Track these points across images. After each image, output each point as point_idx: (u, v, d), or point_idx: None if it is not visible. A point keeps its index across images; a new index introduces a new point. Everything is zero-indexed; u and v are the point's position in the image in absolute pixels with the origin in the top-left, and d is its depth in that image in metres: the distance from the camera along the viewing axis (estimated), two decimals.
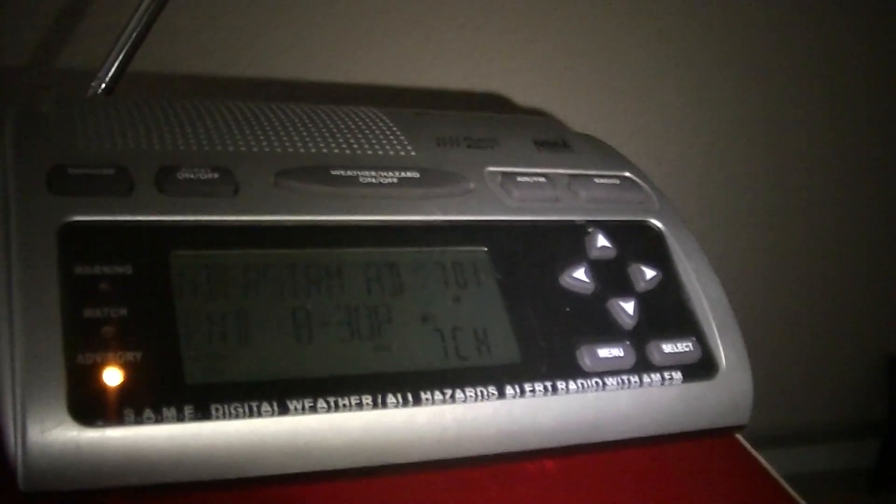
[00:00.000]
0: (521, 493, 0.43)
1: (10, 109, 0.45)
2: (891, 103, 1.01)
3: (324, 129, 0.48)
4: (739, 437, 0.50)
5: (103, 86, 0.53)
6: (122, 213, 0.39)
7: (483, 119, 0.57)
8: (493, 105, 0.81)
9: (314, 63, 0.74)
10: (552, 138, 0.54)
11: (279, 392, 0.37)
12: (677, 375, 0.44)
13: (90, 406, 0.34)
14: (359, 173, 0.45)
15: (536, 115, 0.80)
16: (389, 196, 0.44)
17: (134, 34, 0.53)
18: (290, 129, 0.48)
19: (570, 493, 0.43)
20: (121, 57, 0.53)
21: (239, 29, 0.70)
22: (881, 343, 1.19)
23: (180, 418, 0.35)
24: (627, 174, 0.52)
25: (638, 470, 0.46)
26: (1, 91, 0.65)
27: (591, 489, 0.44)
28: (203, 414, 0.35)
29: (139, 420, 0.34)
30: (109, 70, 0.53)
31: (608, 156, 0.54)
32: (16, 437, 0.33)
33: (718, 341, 0.46)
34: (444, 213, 0.45)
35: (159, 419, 0.35)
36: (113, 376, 0.35)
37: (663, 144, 0.91)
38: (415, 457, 0.39)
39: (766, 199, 1.00)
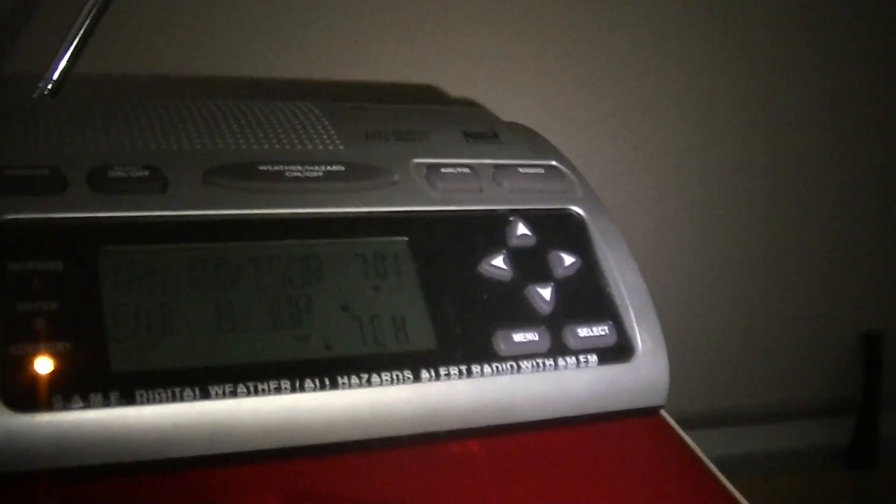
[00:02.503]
0: (448, 475, 0.44)
1: None
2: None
3: (255, 126, 0.50)
4: (667, 416, 0.51)
5: (49, 87, 0.55)
6: (54, 211, 0.41)
7: (415, 112, 0.58)
8: (430, 97, 0.81)
9: (251, 60, 0.75)
10: (482, 129, 0.55)
11: (201, 378, 0.39)
12: (593, 358, 0.46)
13: (21, 393, 0.36)
14: (285, 168, 0.46)
15: (471, 106, 0.81)
16: (314, 189, 0.46)
17: (78, 36, 0.55)
18: (223, 126, 0.49)
19: (495, 474, 0.45)
20: (65, 59, 0.55)
21: (179, 27, 0.72)
22: (856, 320, 1.19)
23: (106, 404, 0.37)
24: (553, 163, 0.53)
25: (558, 451, 0.47)
26: None
27: (514, 470, 0.45)
28: (128, 399, 0.37)
29: (68, 406, 0.37)
30: (55, 72, 0.55)
31: (537, 145, 0.56)
32: None
33: (635, 326, 0.47)
34: (367, 206, 0.46)
35: (87, 405, 0.37)
36: (43, 365, 0.37)
37: (598, 134, 0.91)
38: (331, 438, 0.41)
39: (734, 179, 1.00)
